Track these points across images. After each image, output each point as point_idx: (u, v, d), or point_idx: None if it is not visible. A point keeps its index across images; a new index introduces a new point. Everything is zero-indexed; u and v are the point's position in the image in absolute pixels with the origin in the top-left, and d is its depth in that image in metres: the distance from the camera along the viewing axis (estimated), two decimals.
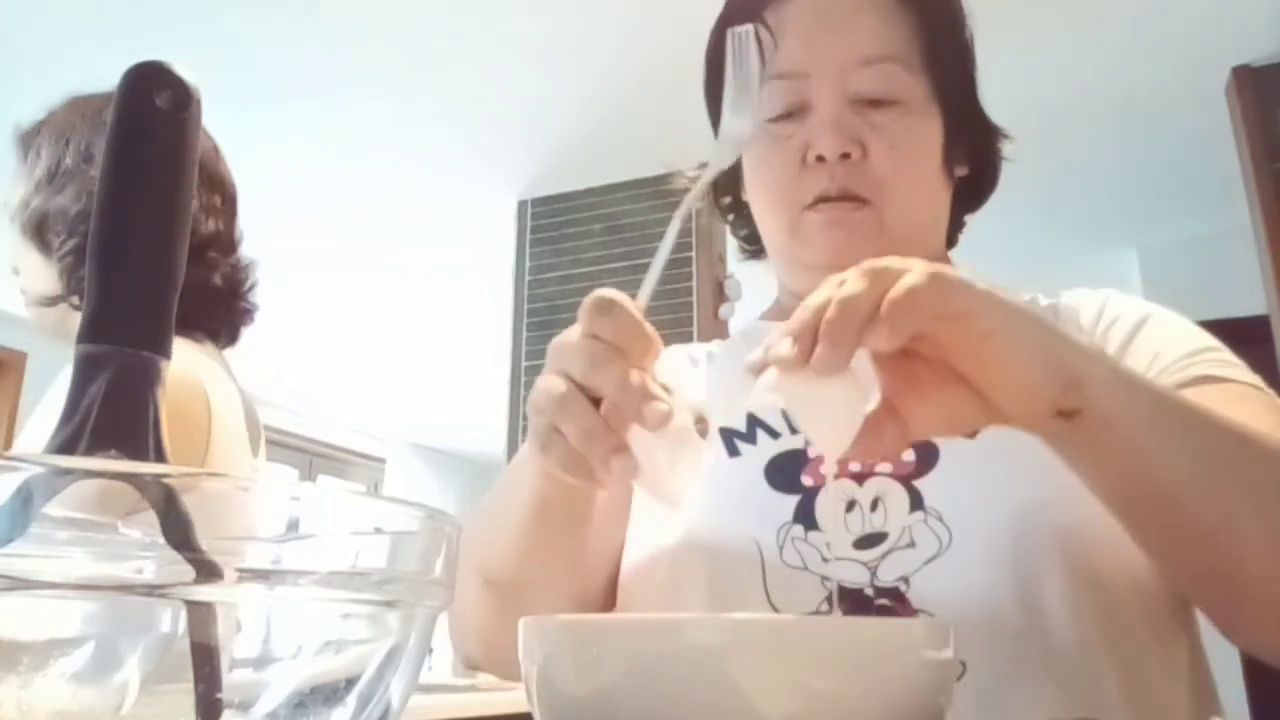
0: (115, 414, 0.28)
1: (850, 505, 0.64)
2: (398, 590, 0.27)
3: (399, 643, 0.28)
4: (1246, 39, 2.78)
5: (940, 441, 0.65)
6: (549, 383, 0.50)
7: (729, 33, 0.62)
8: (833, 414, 0.45)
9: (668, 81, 3.21)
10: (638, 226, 3.47)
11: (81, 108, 1.19)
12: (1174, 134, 3.22)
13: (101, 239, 0.30)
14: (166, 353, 0.30)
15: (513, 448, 3.52)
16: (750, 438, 0.71)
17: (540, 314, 3.59)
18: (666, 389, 0.50)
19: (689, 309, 3.35)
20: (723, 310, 3.39)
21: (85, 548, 0.22)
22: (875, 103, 0.71)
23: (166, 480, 0.23)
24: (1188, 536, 0.53)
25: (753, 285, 3.38)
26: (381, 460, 6.97)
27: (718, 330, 3.29)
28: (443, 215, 3.82)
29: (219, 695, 0.24)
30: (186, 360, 1.08)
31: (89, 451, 0.27)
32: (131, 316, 0.30)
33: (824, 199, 0.70)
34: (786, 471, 0.67)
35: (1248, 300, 3.00)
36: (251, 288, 1.24)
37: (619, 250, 3.50)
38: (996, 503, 0.62)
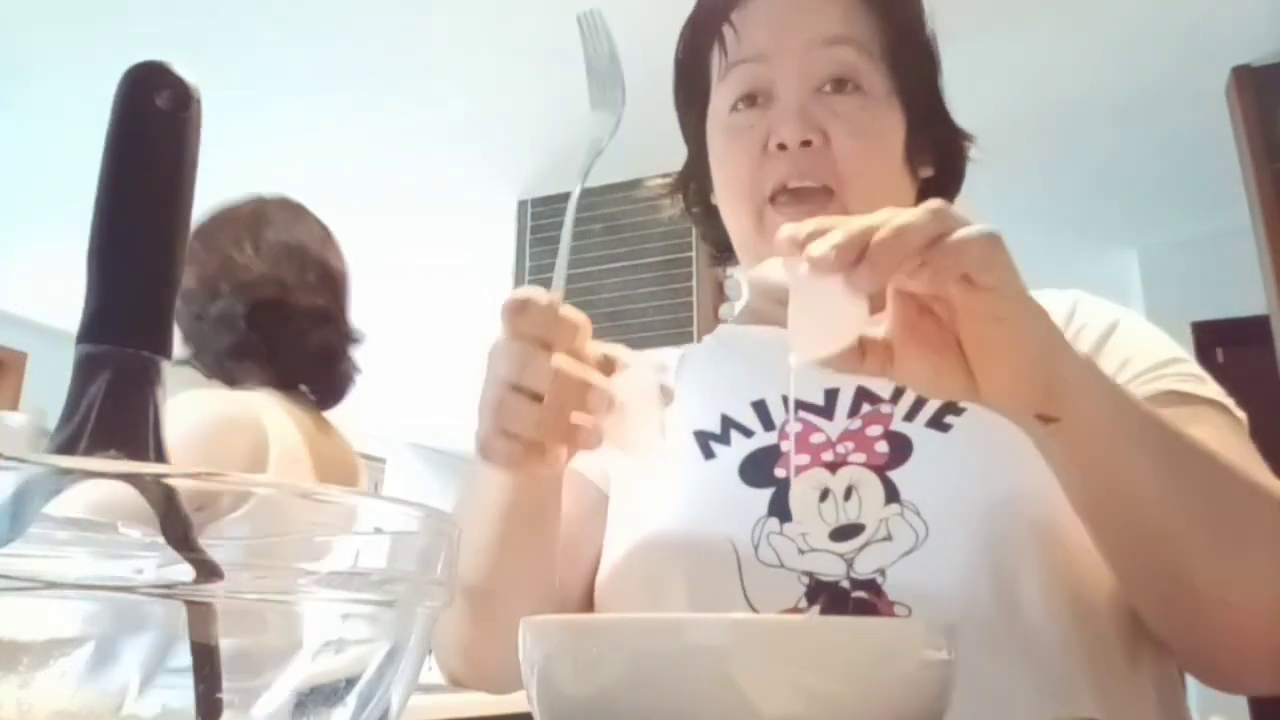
0: (115, 414, 0.28)
1: (824, 494, 0.64)
2: (398, 590, 0.27)
3: (399, 643, 0.28)
4: (1246, 39, 2.78)
5: (913, 434, 0.65)
6: (487, 393, 0.51)
7: (577, 17, 0.62)
8: (829, 323, 0.46)
9: (667, 82, 3.20)
10: (637, 226, 3.47)
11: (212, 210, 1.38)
12: (1174, 134, 3.22)
13: (101, 239, 0.30)
14: (167, 353, 0.30)
15: None
16: (724, 438, 0.71)
17: None
18: (610, 359, 0.52)
19: (689, 309, 3.35)
20: (723, 310, 3.39)
21: (85, 548, 0.22)
22: (838, 86, 0.70)
23: (166, 480, 0.23)
24: (1146, 549, 0.54)
25: None
26: (381, 460, 6.98)
27: None
28: (443, 215, 3.82)
29: (219, 695, 0.24)
30: (245, 402, 1.24)
31: (89, 451, 0.27)
32: (131, 316, 0.29)
33: (784, 189, 0.69)
34: (760, 467, 0.67)
35: (1248, 300, 3.00)
36: (351, 356, 1.41)
37: (619, 250, 3.50)
38: (973, 497, 0.62)
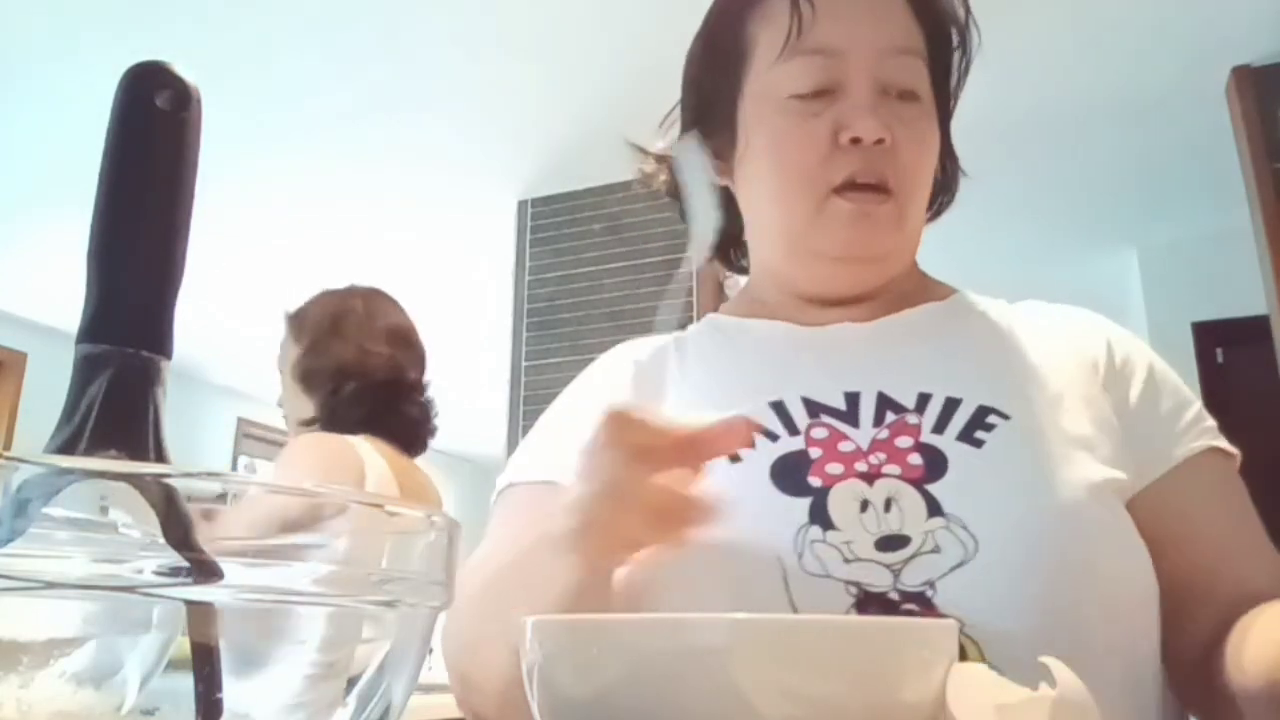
0: (115, 414, 0.28)
1: (864, 505, 0.63)
2: (398, 590, 0.27)
3: (399, 643, 0.28)
4: (1246, 39, 2.78)
5: (945, 448, 0.65)
6: (584, 494, 0.52)
7: (674, 145, 0.62)
8: None
9: (667, 82, 3.20)
10: (638, 226, 3.47)
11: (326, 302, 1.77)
12: (1174, 134, 3.22)
13: (101, 239, 0.30)
14: (167, 353, 0.30)
15: (513, 448, 3.52)
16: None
17: (540, 314, 3.59)
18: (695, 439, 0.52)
19: (689, 309, 3.36)
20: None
21: (85, 548, 0.22)
22: (903, 95, 0.71)
23: (166, 480, 0.23)
24: None
25: None
26: None
27: None
28: (443, 215, 3.82)
29: (219, 695, 0.24)
30: (349, 443, 1.57)
31: (89, 451, 0.27)
32: (131, 316, 0.29)
33: (853, 183, 0.69)
34: (792, 474, 0.66)
35: (1248, 300, 3.00)
36: (436, 415, 1.80)
37: (619, 250, 3.50)
38: (1020, 514, 0.61)
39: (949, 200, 0.83)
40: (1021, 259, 3.95)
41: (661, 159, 0.86)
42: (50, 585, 0.21)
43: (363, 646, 0.27)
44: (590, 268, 3.53)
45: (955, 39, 0.77)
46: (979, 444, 0.65)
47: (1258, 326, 2.90)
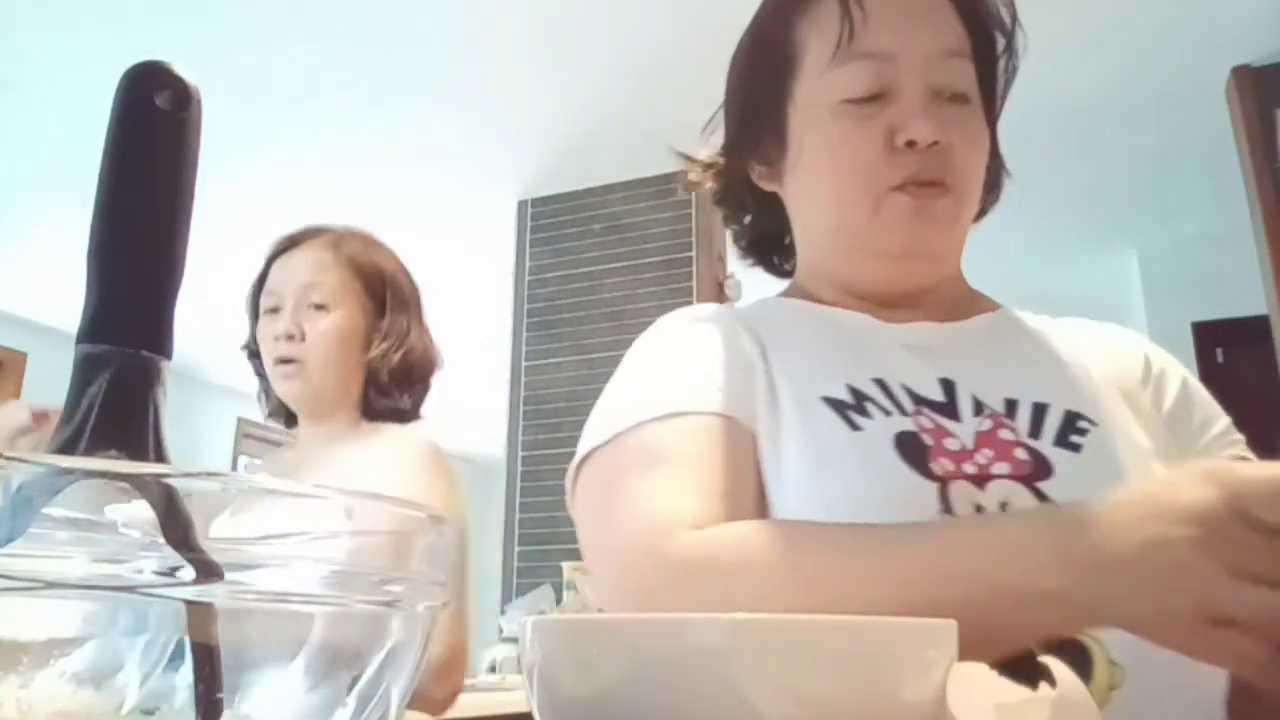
0: (115, 414, 0.28)
1: (977, 509, 0.61)
2: (398, 590, 0.27)
3: (399, 643, 0.28)
4: (1246, 39, 2.78)
5: (1044, 451, 0.65)
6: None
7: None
8: None
9: (667, 81, 3.22)
10: (638, 226, 3.47)
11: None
12: (1174, 134, 3.22)
13: (101, 239, 0.30)
14: (167, 353, 0.30)
15: (513, 447, 3.52)
16: (860, 409, 0.67)
17: (540, 314, 3.59)
18: None
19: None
20: None
21: (85, 548, 0.22)
22: (954, 97, 0.72)
23: (166, 480, 0.23)
24: None
25: (753, 285, 3.38)
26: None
27: None
28: (443, 215, 3.83)
29: (219, 695, 0.24)
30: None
31: (89, 451, 0.27)
32: (131, 316, 0.29)
33: (912, 182, 0.70)
34: (915, 454, 0.64)
35: (1248, 300, 3.01)
36: None
37: (619, 250, 3.50)
38: None
39: (994, 200, 0.84)
40: (1022, 259, 3.95)
41: (709, 166, 0.86)
42: (50, 585, 0.21)
43: (363, 646, 0.27)
44: (590, 268, 3.53)
45: (1001, 43, 0.78)
46: (1076, 448, 0.65)
47: (1258, 326, 2.90)
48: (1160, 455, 0.67)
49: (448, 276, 4.33)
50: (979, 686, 0.34)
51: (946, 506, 0.61)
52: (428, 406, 1.45)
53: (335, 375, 1.35)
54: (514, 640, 3.05)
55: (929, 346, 0.73)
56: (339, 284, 1.37)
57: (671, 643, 0.34)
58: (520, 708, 1.83)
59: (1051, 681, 0.33)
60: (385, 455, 1.31)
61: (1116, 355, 0.76)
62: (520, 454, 3.50)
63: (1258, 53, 2.85)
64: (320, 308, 1.35)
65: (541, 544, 3.40)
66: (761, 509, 0.65)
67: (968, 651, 0.35)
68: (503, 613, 3.38)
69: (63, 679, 0.24)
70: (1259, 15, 2.67)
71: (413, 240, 4.35)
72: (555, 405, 3.46)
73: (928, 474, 0.62)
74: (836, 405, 0.67)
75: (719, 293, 3.41)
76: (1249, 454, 0.70)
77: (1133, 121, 3.15)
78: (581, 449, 0.69)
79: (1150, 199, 3.67)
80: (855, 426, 0.65)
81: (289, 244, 1.43)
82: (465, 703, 1.99)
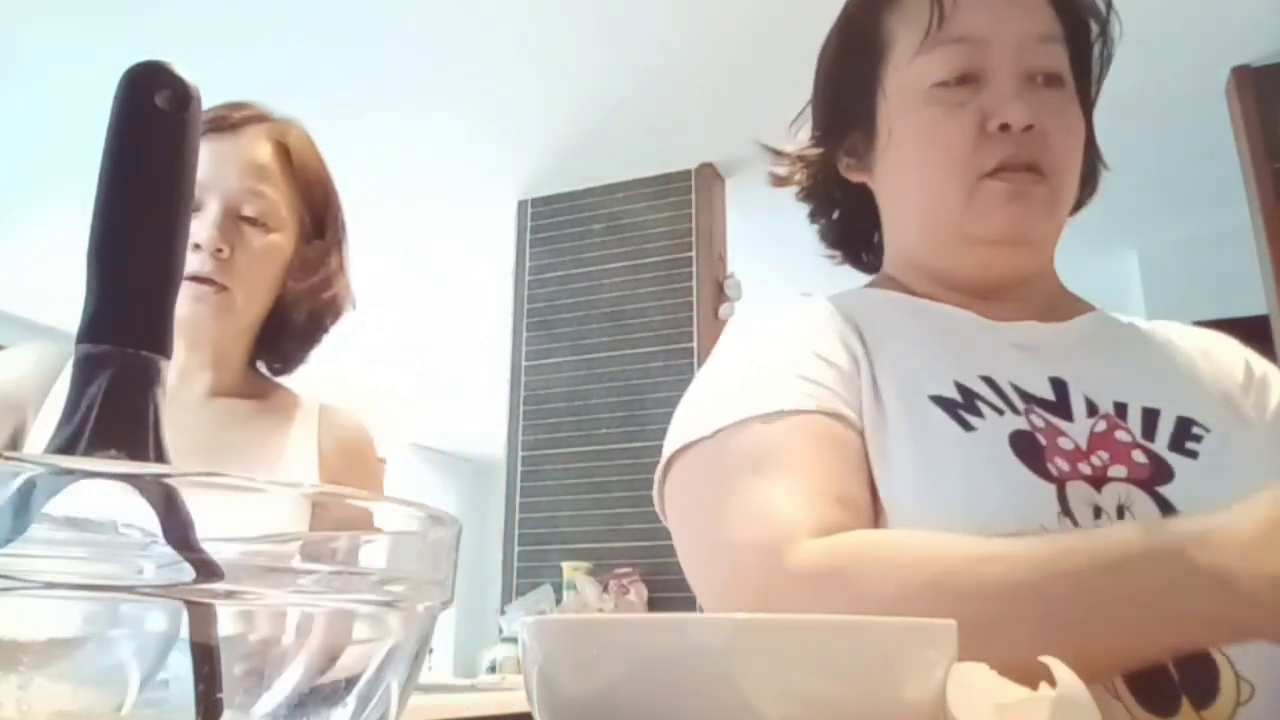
0: (115, 414, 0.28)
1: (1097, 512, 0.60)
2: (398, 590, 0.27)
3: (399, 643, 0.28)
4: (1246, 39, 2.78)
5: (1161, 454, 0.63)
6: None
7: None
8: None
9: (667, 81, 3.22)
10: (638, 226, 3.47)
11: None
12: (1174, 134, 3.22)
13: (101, 239, 0.30)
14: (167, 353, 0.30)
15: (513, 447, 3.52)
16: (971, 409, 0.64)
17: (540, 314, 3.59)
18: None
19: (689, 309, 3.35)
20: (723, 310, 3.38)
21: (85, 548, 0.22)
22: (1048, 81, 0.71)
23: (166, 480, 0.23)
24: None
25: (753, 285, 3.38)
26: (381, 460, 6.97)
27: (717, 330, 3.29)
28: (443, 215, 3.82)
29: (219, 695, 0.24)
30: None
31: (89, 451, 0.27)
32: (131, 316, 0.29)
33: (1006, 167, 0.69)
34: (1031, 454, 0.62)
35: (1248, 300, 3.01)
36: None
37: (619, 250, 3.50)
38: None
39: (1091, 193, 0.82)
40: None
41: (798, 159, 0.84)
42: (50, 585, 0.21)
43: (362, 646, 0.27)
44: (590, 268, 3.53)
45: (1095, 30, 0.78)
46: (1193, 455, 0.63)
47: (1258, 326, 2.90)
48: (1267, 462, 0.65)
49: (448, 276, 4.33)
50: (979, 686, 0.34)
51: (1065, 508, 0.59)
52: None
53: (257, 313, 1.09)
54: (514, 640, 3.05)
55: (1036, 345, 0.71)
56: (283, 199, 1.10)
57: (671, 643, 0.34)
58: (520, 708, 1.83)
59: (1051, 681, 0.33)
60: (327, 445, 1.12)
61: (1217, 360, 0.74)
62: (520, 454, 3.50)
63: (1258, 53, 2.85)
64: (256, 224, 1.06)
65: (541, 544, 3.40)
66: (875, 509, 0.63)
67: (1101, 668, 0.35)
68: (503, 613, 3.38)
69: (63, 679, 0.24)
70: (1259, 15, 2.67)
71: (413, 241, 4.35)
72: (555, 405, 3.46)
73: (1044, 474, 0.61)
74: (946, 404, 0.65)
75: (719, 293, 3.41)
76: None
77: (1133, 121, 3.15)
78: (678, 440, 0.67)
79: (1150, 199, 3.67)
80: (968, 426, 0.63)
81: (221, 124, 1.11)
82: (465, 703, 1.99)
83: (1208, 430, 0.65)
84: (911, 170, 0.74)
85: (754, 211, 3.43)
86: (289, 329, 1.14)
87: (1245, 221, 2.92)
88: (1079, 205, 0.80)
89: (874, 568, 0.54)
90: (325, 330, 1.18)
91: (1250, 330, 0.82)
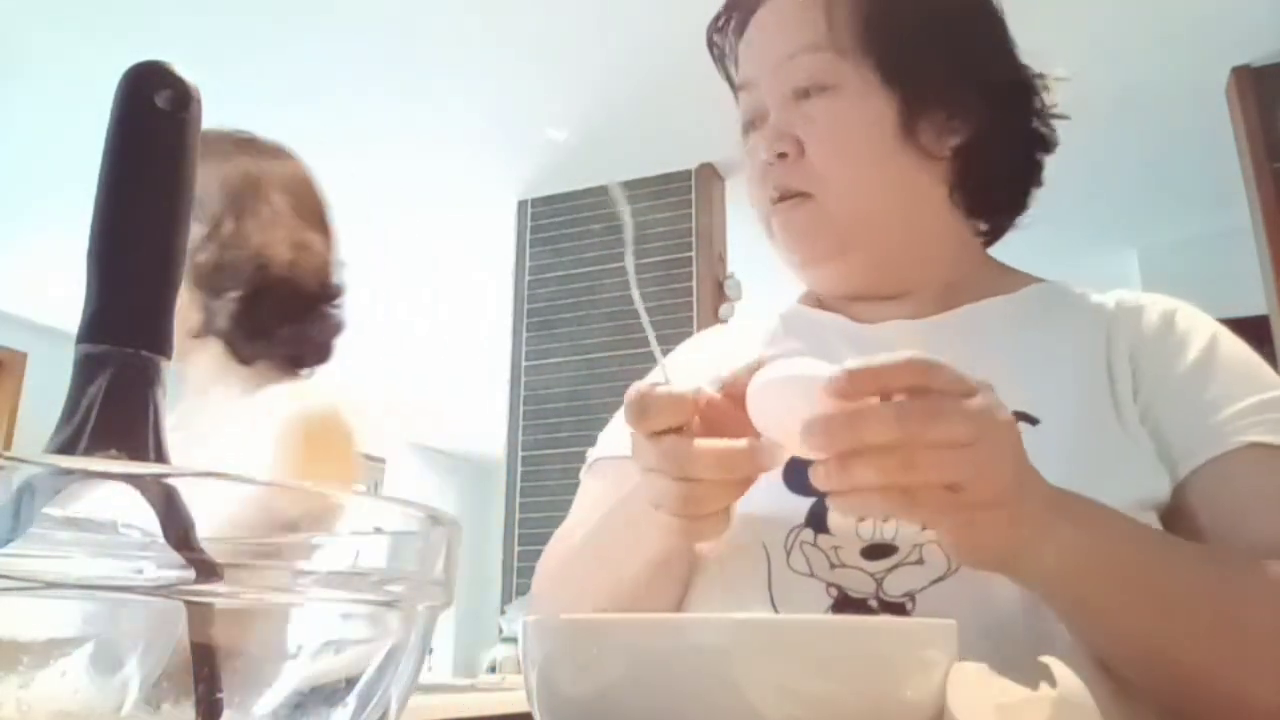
0: (115, 414, 0.28)
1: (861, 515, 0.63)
2: (398, 590, 0.27)
3: (399, 643, 0.28)
4: (1246, 39, 2.78)
5: None
6: (651, 489, 0.52)
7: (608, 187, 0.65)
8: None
9: (667, 82, 3.22)
10: (638, 226, 3.46)
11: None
12: (1174, 134, 3.22)
13: (101, 239, 0.30)
14: (167, 353, 0.30)
15: (513, 447, 3.52)
16: None
17: (540, 314, 3.59)
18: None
19: (689, 309, 3.35)
20: (723, 310, 3.39)
21: (85, 548, 0.22)
22: (803, 94, 0.72)
23: (166, 480, 0.23)
24: (1147, 672, 0.55)
25: (753, 285, 3.38)
26: (381, 460, 6.98)
27: None
28: (443, 215, 3.82)
29: (219, 695, 0.24)
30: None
31: (89, 451, 0.27)
32: (131, 316, 0.29)
33: (779, 198, 0.73)
34: (803, 473, 0.65)
35: (1248, 300, 3.00)
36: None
37: (619, 250, 3.50)
38: None
39: (1004, 144, 0.80)
40: (1021, 259, 3.94)
41: None
42: (50, 585, 0.21)
43: (363, 646, 0.27)
44: (590, 268, 3.53)
45: (918, 15, 0.73)
46: None
47: (1258, 326, 2.90)
48: (1151, 442, 0.64)
49: (448, 276, 4.33)
50: (979, 686, 0.34)
51: (815, 519, 0.64)
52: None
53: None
54: (514, 640, 3.05)
55: (893, 344, 0.71)
56: None
57: (671, 643, 0.34)
58: (520, 708, 1.83)
59: (1051, 681, 0.33)
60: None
61: (1126, 327, 0.71)
62: (520, 454, 3.50)
63: (1258, 53, 2.85)
64: None
65: (541, 544, 3.37)
66: None
67: None
68: (503, 613, 3.38)
69: (63, 679, 0.24)
70: (1259, 15, 2.67)
71: (413, 240, 4.35)
72: (555, 405, 3.46)
73: (806, 490, 0.64)
74: None
75: (719, 292, 3.41)
76: (1270, 437, 0.62)
77: (1133, 121, 3.15)
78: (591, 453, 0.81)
79: (1150, 199, 3.67)
80: None
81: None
82: (465, 703, 1.99)
83: (1035, 423, 0.64)
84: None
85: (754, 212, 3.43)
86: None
87: (1245, 221, 2.92)
88: (992, 149, 0.78)
89: (552, 549, 0.77)
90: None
91: (1250, 330, 0.80)
